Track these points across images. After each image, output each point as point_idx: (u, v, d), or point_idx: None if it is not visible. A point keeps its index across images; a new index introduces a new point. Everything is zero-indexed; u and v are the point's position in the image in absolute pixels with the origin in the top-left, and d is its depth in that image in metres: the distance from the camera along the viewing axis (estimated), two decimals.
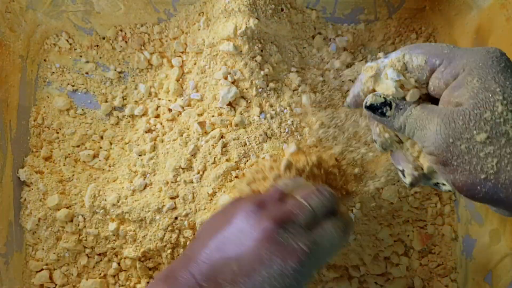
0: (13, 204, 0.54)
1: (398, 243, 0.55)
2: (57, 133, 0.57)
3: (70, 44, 0.59)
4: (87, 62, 0.59)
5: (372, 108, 0.36)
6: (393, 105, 0.35)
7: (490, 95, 0.31)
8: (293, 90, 0.53)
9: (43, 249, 0.54)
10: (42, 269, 0.55)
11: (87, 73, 0.59)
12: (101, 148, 0.57)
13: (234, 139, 0.50)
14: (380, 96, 0.36)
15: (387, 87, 0.36)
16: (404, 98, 0.36)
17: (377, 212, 0.53)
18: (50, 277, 0.54)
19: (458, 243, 0.55)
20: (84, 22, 0.57)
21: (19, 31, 0.56)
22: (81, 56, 0.59)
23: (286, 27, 0.54)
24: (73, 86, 0.59)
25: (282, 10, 0.53)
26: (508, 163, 0.30)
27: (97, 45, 0.59)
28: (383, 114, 0.36)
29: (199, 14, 0.56)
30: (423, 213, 0.55)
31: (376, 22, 0.56)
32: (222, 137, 0.51)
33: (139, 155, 0.54)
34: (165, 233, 0.50)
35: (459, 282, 0.54)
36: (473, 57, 0.33)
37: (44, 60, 0.59)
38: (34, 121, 0.57)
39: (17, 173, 0.55)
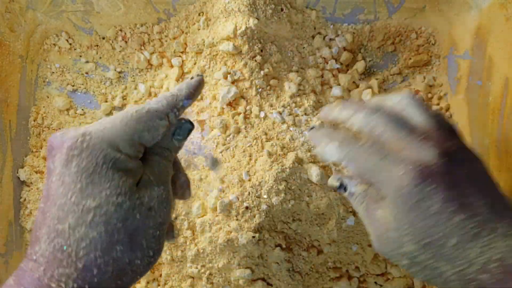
0: (13, 204, 0.54)
1: None
2: None
3: (70, 44, 0.59)
4: (87, 62, 0.59)
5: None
6: (348, 189, 0.38)
7: (398, 236, 0.33)
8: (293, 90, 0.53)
9: None
10: None
11: (87, 73, 0.59)
12: None
13: (234, 139, 0.50)
14: (337, 180, 0.39)
15: None
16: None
17: None
18: None
19: None
20: (84, 22, 0.57)
21: (19, 31, 0.56)
22: (81, 56, 0.59)
23: (286, 27, 0.54)
24: (73, 86, 0.59)
25: (282, 10, 0.53)
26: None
27: (97, 45, 0.59)
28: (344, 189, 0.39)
29: (199, 14, 0.56)
30: None
31: (376, 22, 0.56)
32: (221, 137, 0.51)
33: None
34: None
35: None
36: (390, 189, 0.34)
37: (44, 60, 0.59)
38: (34, 121, 0.57)
39: (17, 173, 0.55)
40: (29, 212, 0.54)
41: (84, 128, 0.31)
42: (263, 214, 0.48)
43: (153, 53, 0.58)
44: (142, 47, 0.58)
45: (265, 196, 0.48)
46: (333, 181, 0.39)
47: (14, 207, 0.54)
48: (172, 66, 0.57)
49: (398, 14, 0.56)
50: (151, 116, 0.32)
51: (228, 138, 0.50)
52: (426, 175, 0.33)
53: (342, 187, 0.38)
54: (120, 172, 0.30)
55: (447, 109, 0.55)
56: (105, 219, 0.30)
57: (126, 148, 0.31)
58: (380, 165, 0.34)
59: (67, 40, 0.59)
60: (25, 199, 0.55)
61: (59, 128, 0.57)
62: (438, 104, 0.55)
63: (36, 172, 0.55)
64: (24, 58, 0.57)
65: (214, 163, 0.49)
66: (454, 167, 0.34)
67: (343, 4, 0.55)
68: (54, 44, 0.59)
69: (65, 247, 0.29)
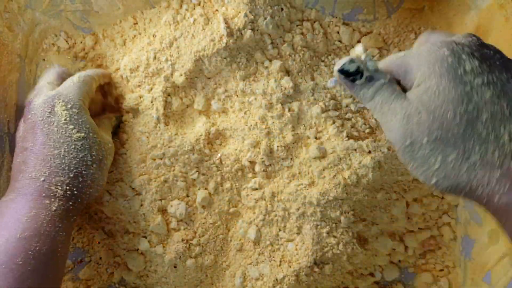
0: None
1: None
2: None
3: (69, 43, 0.59)
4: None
5: (344, 72, 0.36)
6: (365, 75, 0.36)
7: (443, 106, 0.32)
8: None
9: None
10: None
11: None
12: None
13: None
14: (354, 63, 0.36)
15: (357, 52, 0.37)
16: (374, 70, 0.36)
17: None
18: None
19: (457, 243, 0.55)
20: (83, 22, 0.57)
21: (18, 30, 0.55)
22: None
23: (286, 25, 0.54)
24: None
25: (281, 9, 0.53)
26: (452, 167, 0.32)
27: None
28: (353, 81, 0.36)
29: None
30: None
31: (375, 22, 0.56)
32: None
33: None
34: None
35: (458, 282, 0.54)
36: (423, 67, 0.34)
37: (43, 59, 0.59)
38: None
39: None
40: None
41: (54, 91, 0.47)
42: None
43: None
44: None
45: None
46: (345, 65, 0.36)
47: None
48: None
49: (397, 14, 0.56)
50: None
51: None
52: (459, 47, 0.33)
53: (358, 73, 0.36)
54: (88, 114, 0.47)
55: None
56: (89, 145, 0.45)
57: (86, 99, 0.48)
58: (410, 51, 0.36)
59: (66, 40, 0.58)
60: None
61: None
62: None
63: None
64: (23, 57, 0.57)
65: None
66: (483, 46, 0.34)
67: (342, 4, 0.55)
68: (53, 44, 0.59)
69: (60, 164, 0.43)
